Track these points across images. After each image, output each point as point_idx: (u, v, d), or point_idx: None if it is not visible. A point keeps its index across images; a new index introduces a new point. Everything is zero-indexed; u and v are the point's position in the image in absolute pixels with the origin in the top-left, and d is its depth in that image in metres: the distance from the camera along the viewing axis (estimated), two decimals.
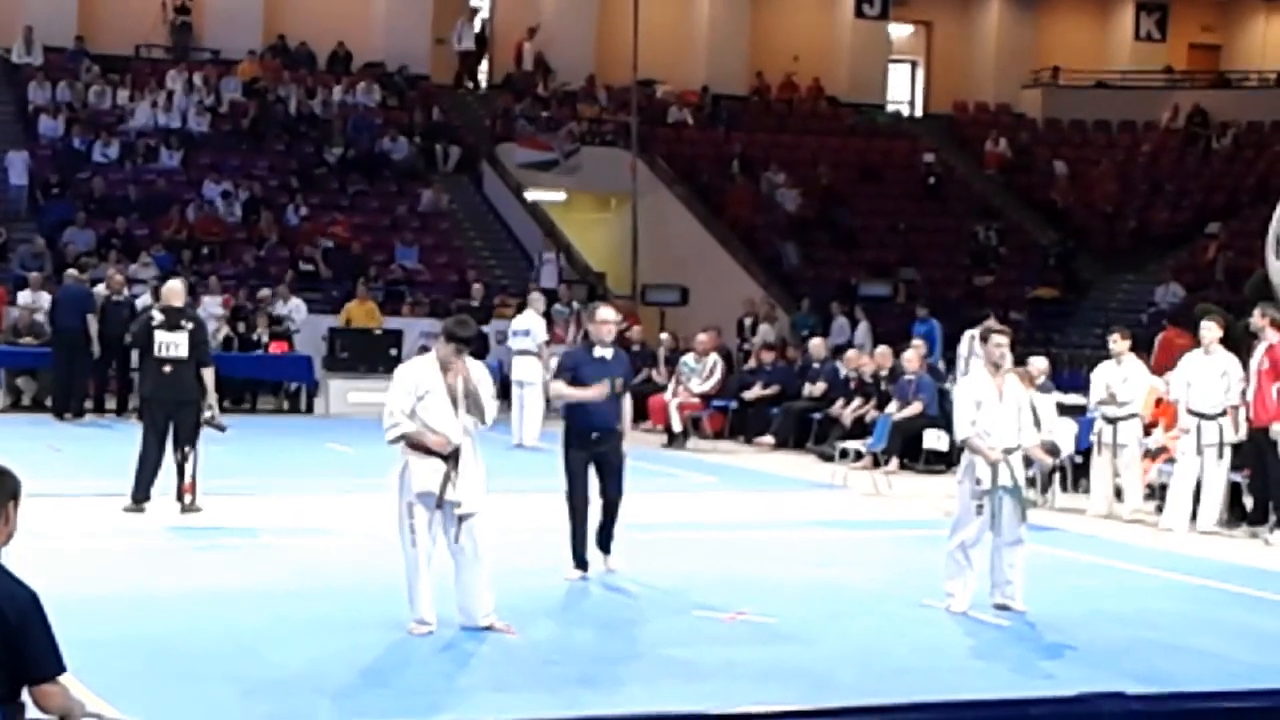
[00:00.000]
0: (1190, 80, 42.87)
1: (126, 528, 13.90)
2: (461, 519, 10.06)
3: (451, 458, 10.01)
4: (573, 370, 12.14)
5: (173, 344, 14.83)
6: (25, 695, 5.75)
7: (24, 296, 25.23)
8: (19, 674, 5.66)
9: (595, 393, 11.85)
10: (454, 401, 10.08)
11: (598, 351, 12.18)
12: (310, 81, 35.87)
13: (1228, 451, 15.77)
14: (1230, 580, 13.17)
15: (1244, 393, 15.68)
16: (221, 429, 14.95)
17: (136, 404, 23.18)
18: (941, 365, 23.23)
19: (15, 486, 5.82)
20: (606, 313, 12.46)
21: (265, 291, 27.01)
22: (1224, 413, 15.74)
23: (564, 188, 35.86)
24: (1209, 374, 15.85)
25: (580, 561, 12.14)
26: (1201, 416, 15.79)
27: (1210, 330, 16.01)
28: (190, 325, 15.06)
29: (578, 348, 13.60)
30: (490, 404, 10.28)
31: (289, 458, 20.24)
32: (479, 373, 10.30)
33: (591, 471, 12.07)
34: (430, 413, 10.04)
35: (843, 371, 23.22)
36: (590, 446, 12.02)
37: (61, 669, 5.73)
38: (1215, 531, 15.68)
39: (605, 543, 12.38)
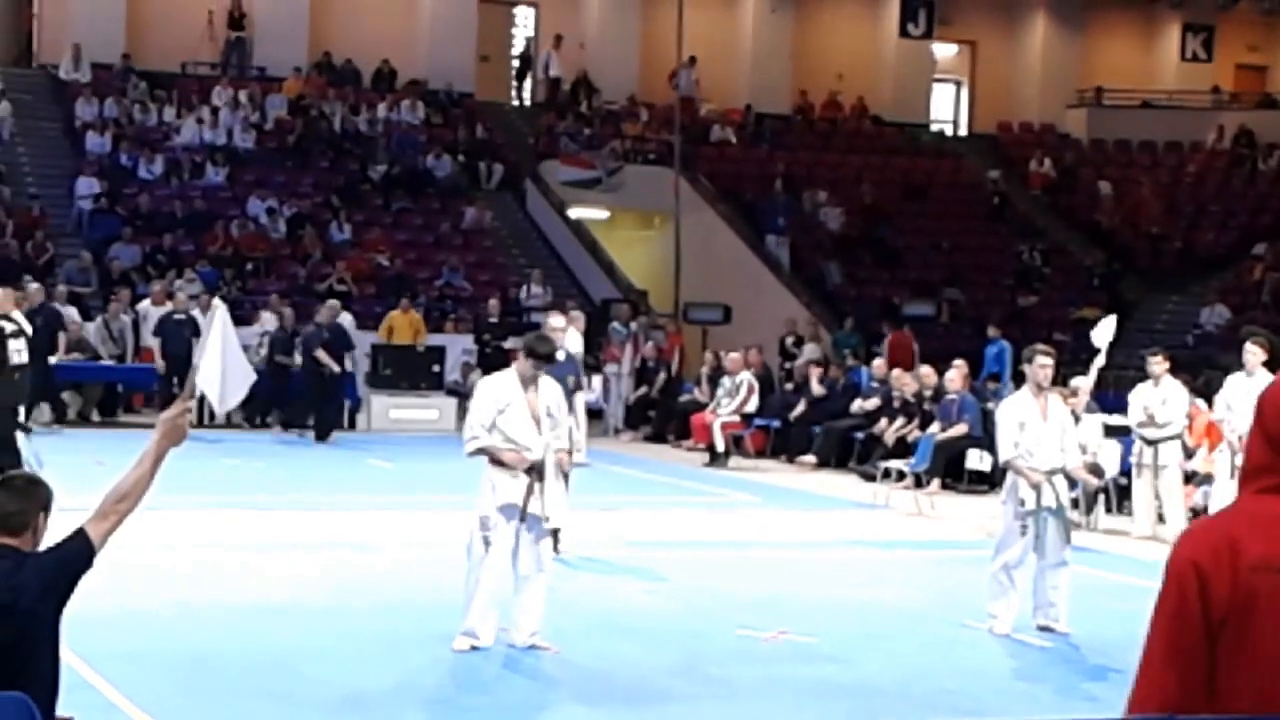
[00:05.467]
0: (1237, 101, 42.63)
1: (167, 542, 13.93)
2: (550, 533, 10.23)
3: (534, 471, 10.06)
4: None
5: (19, 350, 15.01)
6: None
7: None
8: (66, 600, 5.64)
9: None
10: (535, 419, 10.14)
11: None
12: (355, 99, 36.00)
13: None
14: None
15: None
16: (29, 430, 15.22)
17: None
18: (1011, 387, 22.84)
19: (48, 497, 5.82)
20: (557, 320, 14.21)
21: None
22: None
23: (607, 205, 35.88)
24: (1250, 397, 15.72)
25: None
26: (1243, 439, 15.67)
27: (1255, 354, 15.89)
28: (28, 330, 15.48)
29: None
30: (565, 424, 10.52)
31: (330, 473, 20.27)
32: (555, 395, 10.38)
33: None
34: (511, 427, 10.09)
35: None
36: None
37: (92, 550, 5.66)
38: None
39: None
